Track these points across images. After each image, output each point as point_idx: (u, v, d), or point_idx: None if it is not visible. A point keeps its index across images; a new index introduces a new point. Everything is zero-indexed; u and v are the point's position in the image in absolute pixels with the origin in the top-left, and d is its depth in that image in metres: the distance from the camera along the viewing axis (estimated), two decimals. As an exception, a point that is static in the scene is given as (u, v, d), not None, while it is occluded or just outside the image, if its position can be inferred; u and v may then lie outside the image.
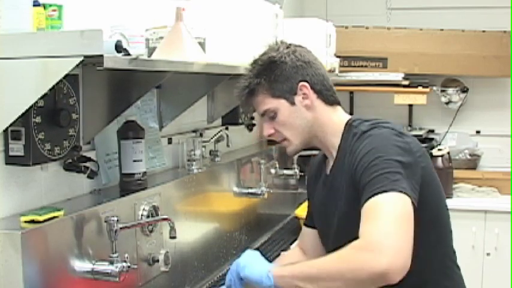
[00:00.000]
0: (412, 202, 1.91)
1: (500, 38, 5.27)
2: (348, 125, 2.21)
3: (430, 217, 2.11)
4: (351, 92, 5.53)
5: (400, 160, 1.98)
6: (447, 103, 5.46)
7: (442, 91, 5.45)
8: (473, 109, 5.50)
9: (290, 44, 2.27)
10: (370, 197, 1.91)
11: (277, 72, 2.19)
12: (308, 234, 2.52)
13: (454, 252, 2.27)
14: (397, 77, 5.05)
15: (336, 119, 2.25)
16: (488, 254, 4.78)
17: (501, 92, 5.46)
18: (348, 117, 2.26)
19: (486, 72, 5.30)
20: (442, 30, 5.31)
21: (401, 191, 1.91)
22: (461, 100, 5.45)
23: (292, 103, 2.20)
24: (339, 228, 2.19)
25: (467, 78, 5.41)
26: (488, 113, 5.50)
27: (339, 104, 2.28)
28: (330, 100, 2.24)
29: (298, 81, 2.19)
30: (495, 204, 4.81)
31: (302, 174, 4.48)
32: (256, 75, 2.20)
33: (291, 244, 3.45)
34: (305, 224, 2.57)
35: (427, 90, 5.17)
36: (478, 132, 5.54)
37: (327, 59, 3.89)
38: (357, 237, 1.88)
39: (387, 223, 1.85)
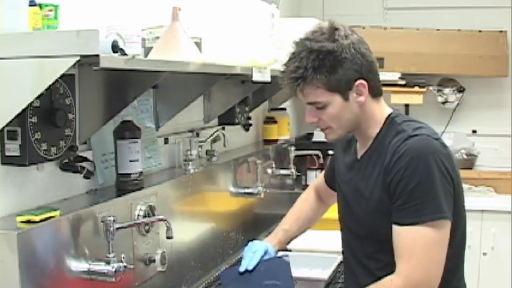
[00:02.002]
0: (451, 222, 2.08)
1: (496, 37, 5.28)
2: (390, 119, 2.24)
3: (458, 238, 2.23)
4: (348, 92, 5.52)
5: (443, 182, 2.07)
6: (444, 103, 5.47)
7: (439, 91, 5.45)
8: (469, 109, 5.50)
9: (344, 30, 2.18)
10: (410, 224, 2.05)
11: (338, 67, 2.12)
12: (327, 190, 2.72)
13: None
14: (394, 76, 5.04)
15: (378, 111, 2.25)
16: (484, 254, 4.78)
17: (497, 91, 5.47)
18: (388, 110, 2.29)
19: (482, 72, 5.30)
20: (438, 30, 5.32)
21: (441, 218, 2.04)
22: (457, 100, 5.45)
23: (346, 99, 2.16)
24: (360, 212, 2.26)
25: (463, 78, 5.41)
26: (485, 113, 5.50)
27: (381, 94, 2.28)
28: (377, 93, 2.24)
29: (356, 78, 2.15)
30: (492, 203, 4.81)
31: (299, 174, 4.49)
32: (314, 68, 2.10)
33: (287, 244, 3.44)
34: (326, 182, 2.71)
35: (424, 90, 5.17)
36: (474, 131, 5.54)
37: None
38: (376, 227, 2.15)
39: (420, 259, 2.04)
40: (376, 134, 2.24)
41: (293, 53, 2.16)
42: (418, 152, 2.07)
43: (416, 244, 2.04)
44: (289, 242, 2.75)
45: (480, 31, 5.30)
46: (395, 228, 2.08)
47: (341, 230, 2.45)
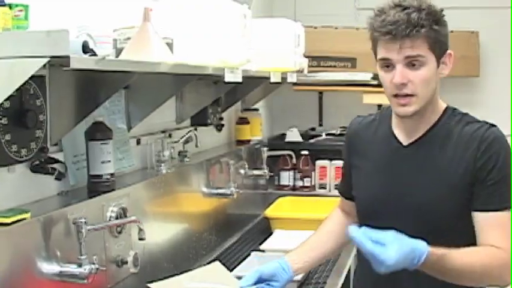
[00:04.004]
0: None
1: (468, 38, 5.30)
2: (450, 110, 2.29)
3: None
4: (320, 92, 5.51)
5: None
6: (415, 103, 5.48)
7: (411, 90, 5.47)
8: (441, 109, 5.53)
9: None
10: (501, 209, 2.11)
11: (442, 28, 2.15)
12: (348, 205, 2.55)
13: None
14: (366, 77, 5.04)
15: (439, 98, 2.29)
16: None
17: (469, 91, 5.50)
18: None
19: (454, 72, 5.27)
20: (411, 30, 5.33)
21: None
22: (429, 100, 5.48)
23: (438, 65, 2.17)
24: (422, 198, 2.20)
25: (435, 77, 5.44)
26: (456, 113, 5.53)
27: None
28: None
29: (448, 47, 2.19)
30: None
31: (271, 174, 4.49)
32: (429, 19, 2.09)
33: (260, 244, 3.46)
34: (344, 196, 2.59)
35: (397, 90, 5.18)
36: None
37: (296, 59, 3.89)
38: (440, 216, 2.15)
39: None
40: (435, 121, 2.24)
41: (398, 6, 2.11)
42: (504, 141, 2.18)
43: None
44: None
45: (452, 31, 5.31)
46: (487, 215, 2.12)
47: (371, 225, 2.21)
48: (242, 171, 4.14)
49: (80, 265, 2.15)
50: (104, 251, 2.45)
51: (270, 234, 3.67)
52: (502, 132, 2.20)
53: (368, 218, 2.32)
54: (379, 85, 5.26)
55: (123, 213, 2.53)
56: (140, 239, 2.49)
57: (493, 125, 2.21)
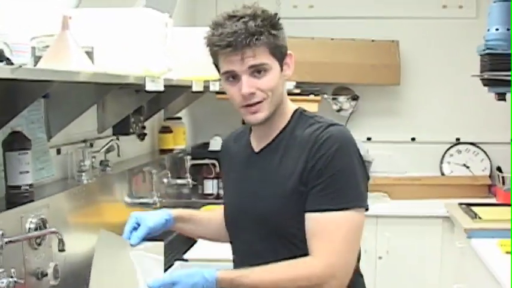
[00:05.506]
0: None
1: (388, 47, 5.42)
2: (298, 113, 2.23)
3: None
4: (243, 101, 5.53)
5: (362, 170, 2.12)
6: (338, 110, 5.57)
7: (334, 99, 5.55)
8: (364, 116, 5.63)
9: None
10: (332, 210, 2.03)
11: (280, 32, 2.12)
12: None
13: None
14: (289, 85, 5.09)
15: (287, 101, 2.25)
16: (380, 258, 4.89)
17: (391, 99, 5.63)
18: (293, 105, 2.27)
19: (376, 80, 5.43)
20: (332, 39, 5.42)
21: (361, 206, 2.08)
22: (352, 107, 5.57)
23: (281, 69, 2.15)
24: (263, 209, 2.17)
25: (357, 86, 5.54)
26: (379, 120, 5.65)
27: None
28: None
29: (287, 49, 2.17)
30: (386, 209, 4.93)
31: (195, 183, 4.48)
32: (265, 26, 2.07)
33: (184, 253, 3.44)
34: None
35: (319, 98, 5.24)
36: (369, 139, 5.66)
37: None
38: (283, 226, 2.10)
39: (341, 245, 2.03)
40: (283, 126, 2.21)
41: (233, 17, 2.07)
42: (341, 139, 2.09)
43: (338, 229, 2.02)
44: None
45: (373, 40, 5.42)
46: (312, 215, 2.05)
47: (233, 236, 2.37)
48: (165, 180, 4.12)
49: (-3, 278, 2.10)
50: (23, 263, 2.40)
51: (194, 243, 3.66)
52: (344, 131, 2.13)
53: (228, 227, 2.38)
54: (302, 93, 5.32)
55: (42, 224, 2.49)
56: (60, 250, 2.45)
57: (334, 124, 2.15)
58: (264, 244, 2.17)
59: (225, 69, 2.12)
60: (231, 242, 2.39)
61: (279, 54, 2.13)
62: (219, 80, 3.98)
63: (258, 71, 2.09)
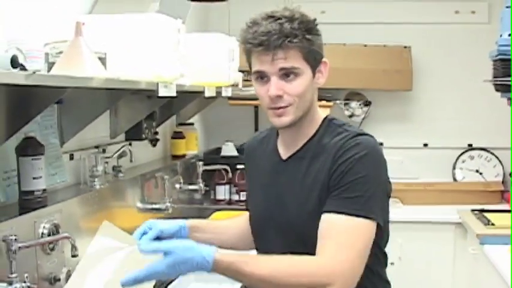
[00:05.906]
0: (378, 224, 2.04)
1: (400, 52, 5.41)
2: (327, 121, 2.22)
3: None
4: (256, 106, 5.53)
5: (386, 182, 2.13)
6: (350, 116, 5.55)
7: (345, 104, 5.54)
8: (376, 122, 5.60)
9: None
10: (347, 214, 1.99)
11: (315, 38, 2.11)
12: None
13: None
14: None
15: (318, 109, 2.23)
16: (392, 264, 4.86)
17: (402, 105, 5.61)
18: (323, 112, 2.25)
19: (388, 86, 5.42)
20: (344, 44, 5.41)
21: (376, 218, 2.02)
22: (364, 113, 5.55)
23: (313, 76, 2.14)
24: (289, 217, 2.16)
25: (369, 91, 5.53)
26: (391, 126, 5.63)
27: None
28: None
29: (322, 57, 2.17)
30: (398, 215, 4.90)
31: (207, 189, 4.49)
32: (301, 29, 2.06)
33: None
34: (247, 210, 2.46)
35: (331, 103, 5.24)
36: (381, 144, 5.62)
37: (230, 74, 3.89)
38: (309, 235, 2.02)
39: (349, 249, 1.96)
40: (312, 134, 2.19)
41: (271, 17, 2.07)
42: (368, 148, 2.07)
43: (348, 234, 1.98)
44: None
45: (385, 46, 5.42)
46: (327, 216, 2.01)
47: (258, 242, 2.34)
48: (177, 186, 4.13)
49: (10, 283, 2.11)
50: (36, 268, 2.41)
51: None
52: (373, 141, 2.13)
53: (254, 234, 2.36)
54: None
55: (55, 229, 2.50)
56: (73, 255, 2.46)
57: (364, 134, 2.15)
58: (288, 252, 2.09)
59: (255, 68, 2.12)
60: (256, 249, 2.36)
61: (313, 60, 2.12)
62: (232, 85, 4.02)
63: (287, 74, 2.07)
